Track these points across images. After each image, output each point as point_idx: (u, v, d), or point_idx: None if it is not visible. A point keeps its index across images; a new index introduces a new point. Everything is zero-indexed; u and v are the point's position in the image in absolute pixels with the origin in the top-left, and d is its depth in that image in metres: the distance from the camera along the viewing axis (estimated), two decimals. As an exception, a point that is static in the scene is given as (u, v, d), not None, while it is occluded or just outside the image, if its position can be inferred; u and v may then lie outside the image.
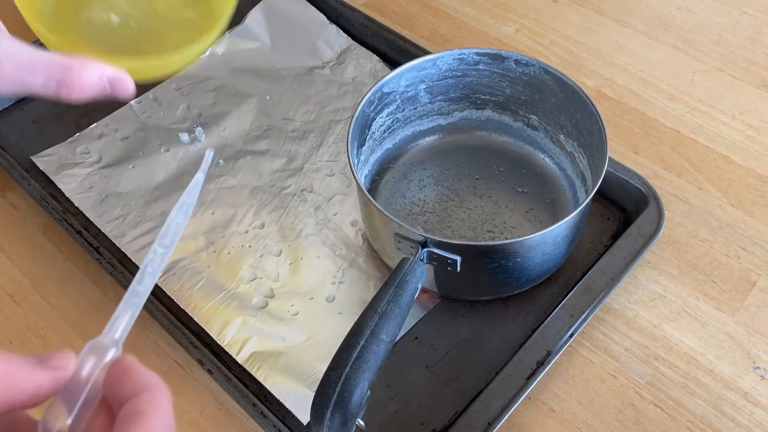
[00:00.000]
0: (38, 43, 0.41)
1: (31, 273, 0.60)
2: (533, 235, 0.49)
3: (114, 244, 0.59)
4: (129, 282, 0.56)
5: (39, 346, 0.56)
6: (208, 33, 0.44)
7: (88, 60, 0.40)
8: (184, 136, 0.66)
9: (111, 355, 0.29)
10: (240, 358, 0.52)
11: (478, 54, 0.59)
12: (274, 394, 0.51)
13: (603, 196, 0.61)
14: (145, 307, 0.55)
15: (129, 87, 0.41)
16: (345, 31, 0.75)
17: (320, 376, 0.42)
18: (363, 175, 0.61)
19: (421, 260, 0.49)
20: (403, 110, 0.62)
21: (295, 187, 0.63)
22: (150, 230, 0.60)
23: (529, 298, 0.56)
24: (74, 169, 0.64)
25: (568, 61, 0.74)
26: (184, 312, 0.55)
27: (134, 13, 0.49)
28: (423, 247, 0.49)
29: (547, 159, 0.63)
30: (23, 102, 0.70)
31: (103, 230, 0.60)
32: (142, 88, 0.68)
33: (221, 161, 0.65)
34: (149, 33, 0.49)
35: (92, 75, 0.40)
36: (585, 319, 0.53)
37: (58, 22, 0.47)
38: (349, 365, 0.42)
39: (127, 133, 0.67)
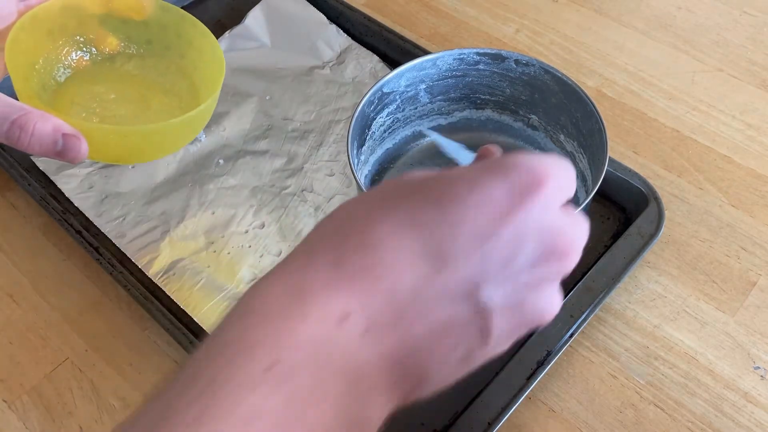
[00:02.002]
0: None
1: (31, 273, 0.60)
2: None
3: (114, 244, 0.59)
4: (129, 282, 0.56)
5: (39, 346, 0.56)
6: (185, 113, 0.45)
7: (48, 113, 0.40)
8: (184, 136, 0.66)
9: None
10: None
11: (478, 54, 0.59)
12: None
13: (603, 196, 0.61)
14: (145, 307, 0.56)
15: (81, 149, 0.41)
16: (345, 31, 0.75)
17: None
18: (363, 175, 0.61)
19: (421, 260, 0.49)
20: (403, 110, 0.62)
21: (295, 187, 0.63)
22: (150, 230, 0.60)
23: (529, 298, 0.56)
24: (74, 169, 0.63)
25: (568, 61, 0.74)
26: (184, 312, 0.55)
27: (125, 112, 0.50)
28: (423, 247, 0.49)
29: (547, 159, 0.63)
30: (23, 102, 0.70)
31: (103, 230, 0.60)
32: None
33: (221, 161, 0.65)
34: (135, 124, 0.50)
35: (47, 125, 0.40)
36: (585, 319, 0.53)
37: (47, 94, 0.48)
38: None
39: (127, 133, 0.67)
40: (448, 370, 0.28)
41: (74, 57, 0.50)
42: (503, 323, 0.28)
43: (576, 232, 0.29)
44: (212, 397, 0.23)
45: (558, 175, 0.28)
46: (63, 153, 0.41)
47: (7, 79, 0.45)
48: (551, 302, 0.30)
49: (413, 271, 0.27)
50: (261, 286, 0.27)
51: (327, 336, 0.25)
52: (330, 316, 0.26)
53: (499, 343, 0.29)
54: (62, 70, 0.50)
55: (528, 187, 0.27)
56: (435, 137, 0.57)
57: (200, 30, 0.51)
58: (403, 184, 0.29)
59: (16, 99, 0.41)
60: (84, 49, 0.51)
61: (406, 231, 0.27)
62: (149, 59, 0.53)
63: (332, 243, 0.28)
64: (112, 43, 0.52)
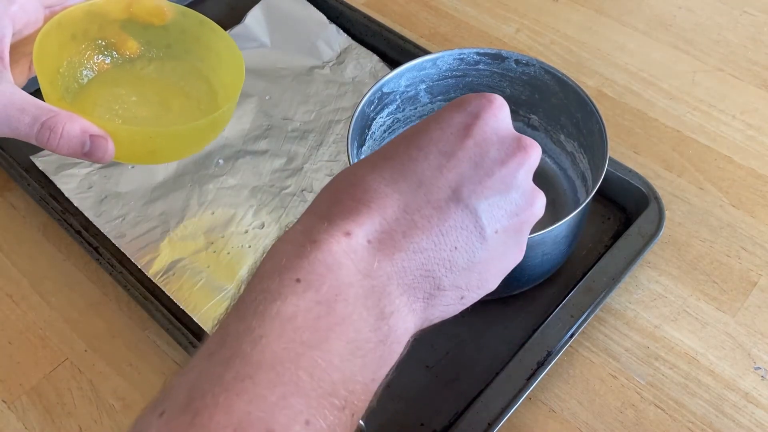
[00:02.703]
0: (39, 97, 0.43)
1: (30, 273, 0.60)
2: (533, 235, 0.48)
3: (114, 244, 0.59)
4: (129, 282, 0.56)
5: (39, 346, 0.56)
6: (206, 116, 0.46)
7: (76, 115, 0.42)
8: (184, 136, 0.66)
9: None
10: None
11: (478, 54, 0.59)
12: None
13: (603, 196, 0.61)
14: (145, 307, 0.56)
15: (108, 149, 0.42)
16: (345, 30, 0.75)
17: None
18: (363, 175, 0.60)
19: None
20: (403, 110, 0.62)
21: (295, 187, 0.63)
22: (150, 230, 0.60)
23: (529, 298, 0.56)
24: (74, 169, 0.63)
25: (569, 61, 0.74)
26: (184, 312, 0.55)
27: (146, 114, 0.51)
28: (423, 247, 0.49)
29: (547, 159, 0.63)
30: (23, 102, 0.70)
31: (102, 230, 0.60)
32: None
33: (221, 161, 0.65)
34: (156, 125, 0.51)
35: (75, 126, 0.41)
36: (585, 320, 0.53)
37: (70, 94, 0.49)
38: (349, 365, 0.41)
39: (126, 133, 0.67)
40: (458, 272, 0.32)
41: (96, 60, 0.51)
42: (495, 220, 0.33)
43: (527, 138, 0.35)
44: (254, 312, 0.29)
45: (500, 99, 0.35)
46: (90, 153, 0.42)
47: (34, 82, 0.46)
48: (533, 191, 0.35)
49: (396, 191, 0.32)
50: (278, 240, 0.32)
51: (336, 251, 0.30)
52: (334, 237, 0.30)
53: (501, 242, 0.34)
54: (85, 73, 0.51)
55: (479, 107, 0.34)
56: None
57: (219, 34, 0.52)
58: (388, 143, 0.35)
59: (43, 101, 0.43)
60: (105, 52, 0.52)
61: (384, 164, 0.33)
62: (169, 63, 0.53)
63: (328, 195, 0.33)
64: (132, 46, 0.52)
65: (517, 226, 0.34)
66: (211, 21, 0.52)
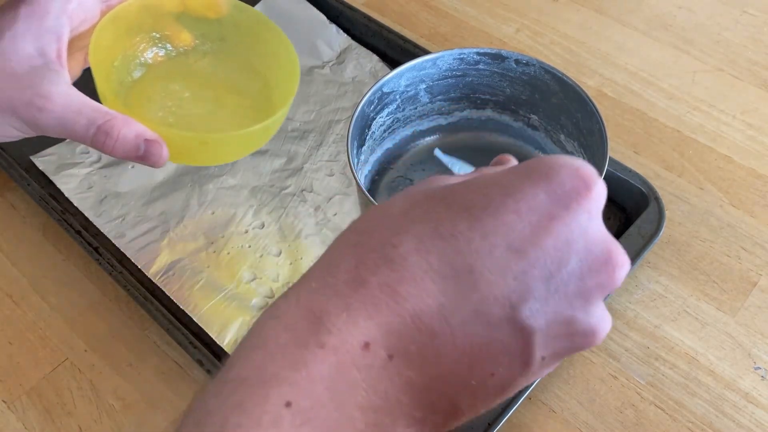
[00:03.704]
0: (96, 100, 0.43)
1: (30, 273, 0.60)
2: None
3: (113, 244, 0.59)
4: (128, 282, 0.56)
5: (38, 347, 0.56)
6: (261, 122, 0.46)
7: (132, 119, 0.42)
8: (184, 136, 0.66)
9: None
10: (240, 359, 0.52)
11: (478, 54, 0.59)
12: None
13: (603, 196, 0.61)
14: (145, 307, 0.55)
15: (162, 153, 0.43)
16: (345, 30, 0.75)
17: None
18: (363, 175, 0.61)
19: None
20: (403, 110, 0.62)
21: (295, 187, 0.63)
22: (149, 230, 0.60)
23: (529, 299, 0.56)
24: (74, 169, 0.63)
25: (569, 61, 0.74)
26: (184, 312, 0.55)
27: (200, 111, 0.51)
28: (423, 247, 0.49)
29: (547, 159, 0.63)
30: (23, 102, 0.70)
31: (102, 230, 0.60)
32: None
33: (221, 161, 0.65)
34: (209, 124, 0.50)
35: (131, 131, 0.41)
36: (585, 320, 0.53)
37: (125, 92, 0.49)
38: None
39: (126, 133, 0.67)
40: (484, 399, 0.26)
41: (150, 54, 0.51)
42: (548, 345, 0.25)
43: (619, 248, 0.26)
44: None
45: (600, 180, 0.26)
46: (145, 158, 0.42)
47: (83, 75, 0.46)
48: (602, 319, 0.26)
49: (442, 291, 0.24)
50: (275, 311, 0.25)
51: (346, 367, 0.23)
52: (349, 345, 0.23)
53: (543, 366, 0.26)
54: (138, 66, 0.50)
55: (574, 191, 0.25)
56: (440, 157, 0.58)
57: (275, 32, 0.51)
58: (428, 190, 0.26)
59: (94, 94, 0.43)
60: (159, 45, 0.51)
61: (434, 244, 0.24)
62: (223, 57, 0.53)
63: (352, 259, 0.25)
64: (186, 39, 0.52)
65: (564, 353, 0.26)
66: (267, 18, 0.51)
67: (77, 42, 0.46)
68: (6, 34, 0.41)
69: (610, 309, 0.55)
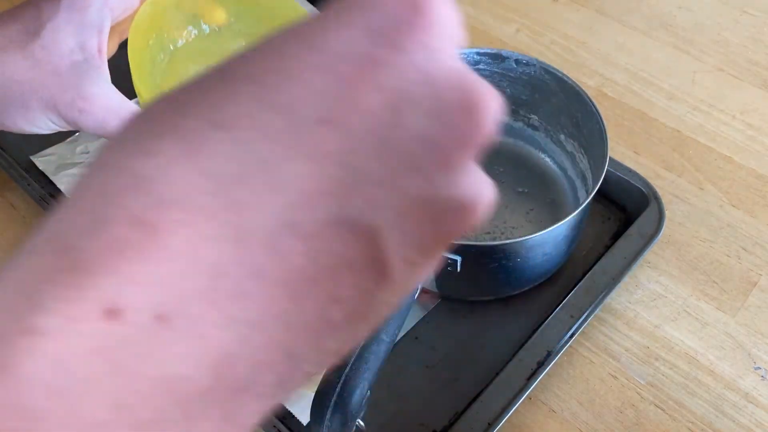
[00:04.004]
0: (135, 102, 0.45)
1: (30, 273, 0.60)
2: (533, 235, 0.49)
3: (113, 244, 0.59)
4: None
5: (38, 347, 0.56)
6: None
7: None
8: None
9: None
10: (240, 359, 0.52)
11: (478, 54, 0.59)
12: (274, 394, 0.51)
13: (603, 196, 0.61)
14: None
15: None
16: (345, 30, 0.75)
17: (320, 376, 0.42)
18: (363, 175, 0.60)
19: (421, 260, 0.49)
20: (403, 110, 0.62)
21: (295, 187, 0.63)
22: (150, 230, 0.60)
23: (529, 298, 0.56)
24: (74, 168, 0.63)
25: (569, 61, 0.74)
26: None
27: None
28: (423, 247, 0.49)
29: (547, 159, 0.63)
30: (23, 102, 0.70)
31: (102, 230, 0.60)
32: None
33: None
34: None
35: None
36: (585, 320, 0.53)
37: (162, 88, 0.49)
38: (349, 366, 0.42)
39: (126, 132, 0.67)
40: (335, 337, 0.18)
41: (184, 32, 0.51)
42: (405, 240, 0.18)
43: (481, 84, 0.18)
44: None
45: (438, 4, 0.18)
46: None
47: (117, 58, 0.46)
48: (474, 186, 0.19)
49: (224, 206, 0.16)
50: None
51: (87, 349, 0.15)
52: (85, 318, 0.15)
53: (413, 268, 0.19)
54: (171, 45, 0.50)
55: (400, 22, 0.17)
56: None
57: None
58: (209, 67, 0.18)
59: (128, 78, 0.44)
60: (194, 22, 0.51)
61: (205, 140, 0.16)
62: (256, 39, 0.53)
63: (88, 194, 0.17)
64: (220, 15, 0.52)
65: (437, 243, 0.19)
66: (300, 5, 0.51)
67: (116, 27, 0.46)
68: (47, 25, 0.41)
69: (611, 309, 0.55)
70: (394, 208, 0.17)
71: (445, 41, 0.18)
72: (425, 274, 0.20)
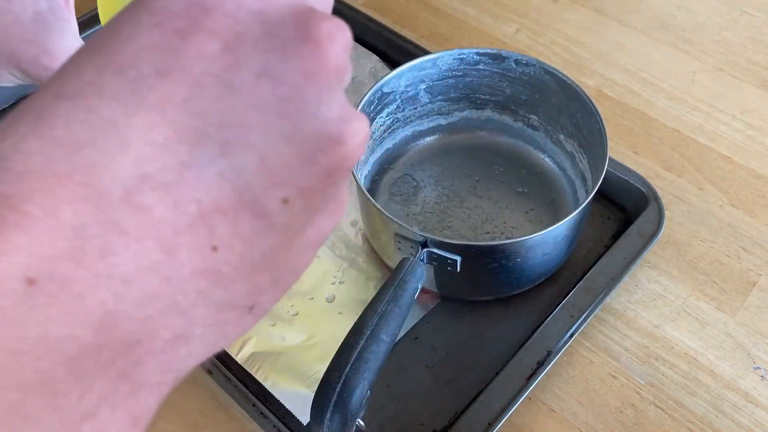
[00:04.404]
0: None
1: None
2: (533, 235, 0.49)
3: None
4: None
5: (39, 347, 0.56)
6: None
7: None
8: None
9: None
10: (240, 358, 0.52)
11: (478, 54, 0.59)
12: (274, 394, 0.51)
13: (603, 196, 0.61)
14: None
15: None
16: (345, 30, 0.75)
17: (320, 376, 0.42)
18: (363, 175, 0.61)
19: (421, 260, 0.49)
20: (403, 110, 0.62)
21: (295, 187, 0.63)
22: (150, 230, 0.60)
23: (529, 298, 0.56)
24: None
25: (569, 61, 0.74)
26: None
27: None
28: (423, 248, 0.49)
29: (547, 159, 0.63)
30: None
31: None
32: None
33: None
34: None
35: None
36: (585, 319, 0.53)
37: None
38: (349, 365, 0.42)
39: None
40: (228, 284, 0.18)
41: None
42: (278, 174, 0.18)
43: (319, 15, 0.18)
44: None
45: None
46: None
47: None
48: (339, 115, 0.19)
49: (74, 178, 0.16)
50: None
51: None
52: None
53: (295, 208, 0.19)
54: None
55: None
56: None
57: None
58: (73, 61, 0.18)
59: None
60: None
61: (59, 113, 0.17)
62: None
63: None
64: None
65: (324, 179, 0.19)
66: None
67: None
68: None
69: (610, 309, 0.55)
70: (252, 147, 0.17)
71: None
72: (324, 218, 0.20)
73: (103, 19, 0.42)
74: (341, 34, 0.19)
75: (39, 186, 0.16)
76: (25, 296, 0.15)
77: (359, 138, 0.19)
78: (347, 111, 0.19)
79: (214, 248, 0.18)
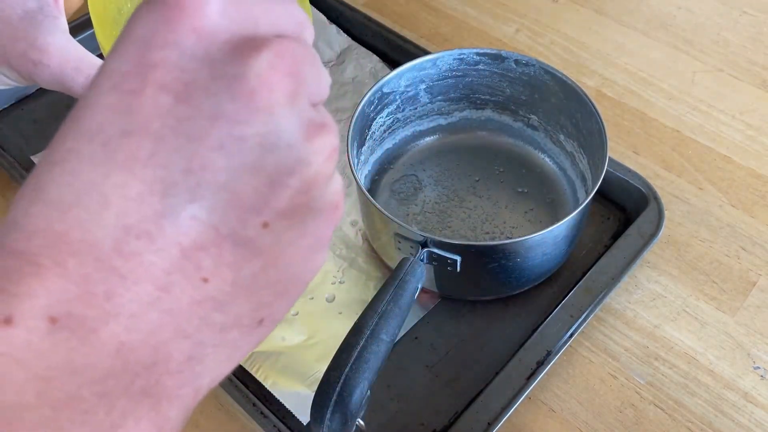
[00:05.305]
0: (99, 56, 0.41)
1: (31, 273, 0.60)
2: (533, 235, 0.49)
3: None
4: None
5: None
6: None
7: None
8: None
9: None
10: (240, 358, 0.52)
11: (478, 54, 0.59)
12: (274, 394, 0.51)
13: (603, 196, 0.61)
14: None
15: None
16: (345, 31, 0.75)
17: (320, 376, 0.42)
18: (363, 175, 0.61)
19: (421, 260, 0.49)
20: (403, 110, 0.62)
21: (295, 187, 0.63)
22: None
23: (529, 298, 0.56)
24: (74, 169, 0.63)
25: (568, 61, 0.74)
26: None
27: None
28: (423, 247, 0.49)
29: (547, 159, 0.63)
30: (23, 102, 0.70)
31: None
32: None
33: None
34: None
35: None
36: (585, 319, 0.53)
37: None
38: (349, 365, 0.42)
39: (127, 133, 0.67)
40: (222, 311, 0.20)
41: None
42: (247, 205, 0.19)
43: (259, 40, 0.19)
44: None
45: None
46: None
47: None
48: (306, 120, 0.20)
49: (77, 227, 0.18)
50: None
51: None
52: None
53: (276, 230, 0.20)
54: None
55: (164, 19, 0.19)
56: None
57: None
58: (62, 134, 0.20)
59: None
60: None
61: (48, 180, 0.19)
62: None
63: None
64: None
65: (300, 197, 0.20)
66: None
67: None
68: None
69: (610, 309, 0.55)
70: (220, 186, 0.19)
71: (211, 17, 0.19)
72: (319, 224, 0.21)
73: (95, 22, 0.42)
74: (287, 53, 0.19)
75: (46, 242, 0.18)
76: (49, 333, 0.18)
77: (326, 152, 0.20)
78: (311, 128, 0.20)
79: (205, 280, 0.19)
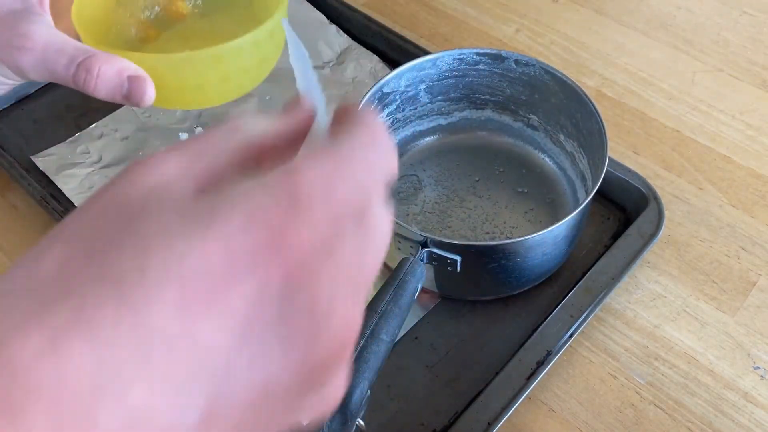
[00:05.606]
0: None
1: (31, 273, 0.60)
2: (533, 235, 0.49)
3: (114, 244, 0.59)
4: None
5: (39, 346, 0.56)
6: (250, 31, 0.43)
7: (113, 55, 0.39)
8: (184, 136, 0.66)
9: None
10: (240, 358, 0.52)
11: (478, 54, 0.59)
12: (274, 394, 0.51)
13: (603, 196, 0.61)
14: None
15: (147, 90, 0.39)
16: (345, 31, 0.75)
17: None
18: (363, 175, 0.61)
19: (421, 260, 0.49)
20: (403, 110, 0.62)
21: (295, 187, 0.63)
22: (150, 230, 0.60)
23: (529, 298, 0.56)
24: (74, 169, 0.63)
25: (568, 61, 0.74)
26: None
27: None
28: (423, 247, 0.49)
29: (547, 159, 0.63)
30: (23, 102, 0.70)
31: (103, 230, 0.60)
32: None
33: (221, 161, 0.65)
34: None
35: (113, 67, 0.38)
36: (585, 319, 0.53)
37: (103, 30, 0.48)
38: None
39: (127, 133, 0.67)
40: None
41: (147, 29, 0.50)
42: (293, 391, 0.19)
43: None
44: None
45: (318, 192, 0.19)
46: (129, 96, 0.39)
47: None
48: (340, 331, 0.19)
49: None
50: None
51: None
52: None
53: (317, 395, 0.20)
54: (134, 40, 0.49)
55: (275, 220, 0.18)
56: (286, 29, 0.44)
57: None
58: (104, 216, 0.18)
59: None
60: (152, 13, 0.50)
61: (69, 341, 0.15)
62: (219, 14, 0.51)
63: None
64: (182, 8, 0.50)
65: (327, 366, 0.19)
66: None
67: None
68: None
69: (610, 309, 0.56)
70: (287, 370, 0.18)
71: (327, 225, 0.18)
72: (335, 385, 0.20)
73: (76, 21, 0.42)
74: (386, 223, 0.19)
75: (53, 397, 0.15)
76: None
77: (351, 335, 0.19)
78: (349, 317, 0.19)
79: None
